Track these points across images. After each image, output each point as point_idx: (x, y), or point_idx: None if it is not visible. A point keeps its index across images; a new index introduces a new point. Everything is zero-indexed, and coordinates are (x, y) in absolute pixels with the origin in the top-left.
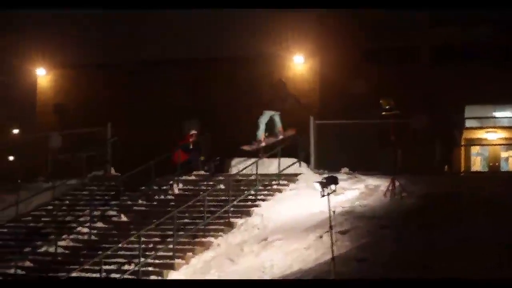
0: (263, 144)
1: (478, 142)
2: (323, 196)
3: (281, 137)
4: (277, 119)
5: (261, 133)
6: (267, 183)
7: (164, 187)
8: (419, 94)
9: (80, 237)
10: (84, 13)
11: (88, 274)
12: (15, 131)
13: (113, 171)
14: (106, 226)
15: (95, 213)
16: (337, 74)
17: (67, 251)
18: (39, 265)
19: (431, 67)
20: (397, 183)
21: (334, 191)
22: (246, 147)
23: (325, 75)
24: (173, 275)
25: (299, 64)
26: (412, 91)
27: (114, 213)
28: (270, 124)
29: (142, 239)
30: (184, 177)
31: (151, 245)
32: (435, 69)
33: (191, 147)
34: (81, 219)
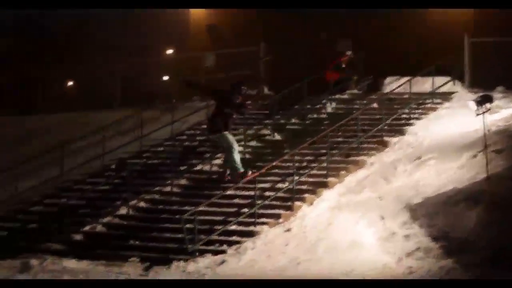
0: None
1: None
2: (477, 115)
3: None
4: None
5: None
6: (420, 102)
7: (317, 106)
8: None
9: None
10: None
11: (243, 192)
12: (169, 51)
13: (266, 90)
14: (260, 144)
15: (249, 132)
16: None
17: (221, 169)
18: (194, 183)
19: None
20: None
21: (489, 109)
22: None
23: None
24: (326, 193)
25: None
26: None
27: (267, 132)
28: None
29: (296, 157)
30: (337, 96)
31: (304, 164)
32: None
33: (343, 66)
34: (236, 137)
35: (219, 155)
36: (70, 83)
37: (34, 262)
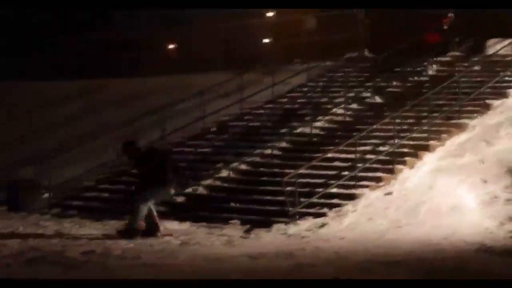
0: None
1: None
2: None
3: None
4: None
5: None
6: None
7: (419, 69)
8: None
9: (335, 118)
10: None
11: (343, 155)
12: (269, 14)
13: (367, 52)
14: (361, 107)
15: (350, 94)
16: None
17: (322, 132)
18: (295, 145)
19: None
20: None
21: None
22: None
23: None
24: (427, 157)
25: None
26: None
27: (368, 94)
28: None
29: (397, 120)
30: (438, 58)
31: (405, 127)
32: None
33: (445, 27)
34: (336, 100)
35: (320, 117)
36: (172, 45)
37: None
